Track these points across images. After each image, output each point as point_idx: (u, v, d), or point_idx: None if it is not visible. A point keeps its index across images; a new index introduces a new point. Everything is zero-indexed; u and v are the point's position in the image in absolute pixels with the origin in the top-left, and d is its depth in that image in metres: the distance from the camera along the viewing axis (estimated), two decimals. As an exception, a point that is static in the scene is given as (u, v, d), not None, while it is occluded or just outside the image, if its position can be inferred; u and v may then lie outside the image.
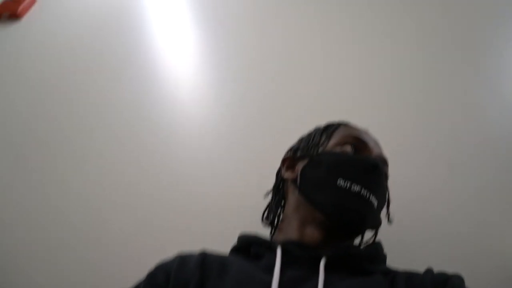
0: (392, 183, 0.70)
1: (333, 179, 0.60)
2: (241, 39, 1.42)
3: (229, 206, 0.91)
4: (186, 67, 1.36)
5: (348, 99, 1.18)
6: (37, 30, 1.61)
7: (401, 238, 0.69)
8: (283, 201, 0.71)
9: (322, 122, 0.77)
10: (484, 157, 0.97)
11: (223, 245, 0.63)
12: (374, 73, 1.26)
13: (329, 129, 0.70)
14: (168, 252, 0.62)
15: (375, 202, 0.60)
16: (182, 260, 0.57)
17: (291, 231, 0.62)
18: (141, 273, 0.81)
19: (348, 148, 0.64)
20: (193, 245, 0.63)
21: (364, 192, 0.59)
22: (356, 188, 0.58)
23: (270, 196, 0.76)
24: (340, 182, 0.59)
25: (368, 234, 0.69)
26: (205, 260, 0.56)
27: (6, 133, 1.19)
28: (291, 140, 0.78)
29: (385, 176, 0.67)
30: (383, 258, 0.61)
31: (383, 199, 0.65)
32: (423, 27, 1.40)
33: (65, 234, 0.94)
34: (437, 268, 0.57)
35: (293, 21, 1.48)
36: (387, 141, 1.02)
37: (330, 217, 0.59)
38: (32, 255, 0.91)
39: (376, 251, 0.61)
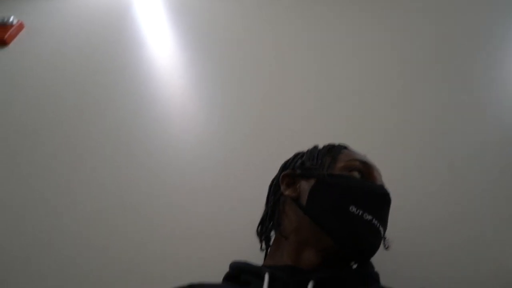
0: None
1: (345, 205, 0.59)
2: (232, 63, 1.41)
3: (223, 232, 0.90)
4: (177, 90, 1.35)
5: (346, 101, 1.19)
6: (24, 55, 1.61)
7: (394, 254, 0.69)
8: (278, 217, 0.68)
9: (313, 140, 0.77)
10: (483, 161, 0.98)
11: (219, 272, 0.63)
12: (375, 72, 1.27)
13: (333, 151, 0.68)
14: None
15: (382, 232, 0.60)
16: None
17: (286, 254, 0.61)
18: (140, 278, 0.84)
19: (356, 174, 0.63)
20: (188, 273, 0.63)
21: (375, 222, 0.58)
22: (368, 217, 0.58)
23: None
24: (353, 209, 0.58)
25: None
26: None
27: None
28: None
29: None
30: (376, 277, 0.60)
31: (386, 228, 0.65)
32: (423, 28, 1.42)
33: (61, 237, 0.95)
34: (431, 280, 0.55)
35: (286, 41, 1.47)
36: (386, 140, 1.05)
37: (342, 244, 0.57)
38: (29, 256, 0.92)
39: (367, 270, 0.60)
